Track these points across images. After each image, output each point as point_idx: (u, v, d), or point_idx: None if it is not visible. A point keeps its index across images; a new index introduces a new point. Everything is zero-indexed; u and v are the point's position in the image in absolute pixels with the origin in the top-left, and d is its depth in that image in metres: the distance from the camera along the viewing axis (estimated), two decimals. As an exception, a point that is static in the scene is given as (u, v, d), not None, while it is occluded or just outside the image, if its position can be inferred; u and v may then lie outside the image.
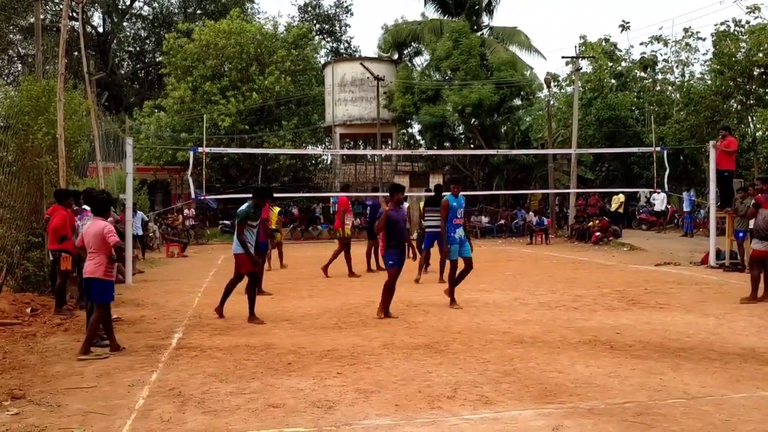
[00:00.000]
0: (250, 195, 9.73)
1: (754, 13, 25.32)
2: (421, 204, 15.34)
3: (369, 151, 38.72)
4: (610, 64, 33.87)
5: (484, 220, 30.05)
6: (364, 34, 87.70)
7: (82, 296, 10.18)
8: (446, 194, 10.64)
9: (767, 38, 23.88)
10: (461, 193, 10.39)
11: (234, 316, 9.63)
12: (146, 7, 48.01)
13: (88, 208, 9.18)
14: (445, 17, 36.26)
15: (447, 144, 34.44)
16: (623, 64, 34.46)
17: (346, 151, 37.57)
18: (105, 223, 7.38)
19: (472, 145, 33.70)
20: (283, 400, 5.49)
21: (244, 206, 9.39)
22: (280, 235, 17.71)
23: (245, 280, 9.57)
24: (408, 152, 34.86)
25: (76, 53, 30.56)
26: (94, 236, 7.34)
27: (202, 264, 18.51)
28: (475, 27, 35.64)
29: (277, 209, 18.02)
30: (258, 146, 31.72)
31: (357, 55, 43.35)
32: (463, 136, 35.18)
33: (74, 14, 28.73)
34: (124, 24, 47.85)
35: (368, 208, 15.99)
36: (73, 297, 10.58)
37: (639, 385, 5.84)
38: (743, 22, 26.59)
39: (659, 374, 6.15)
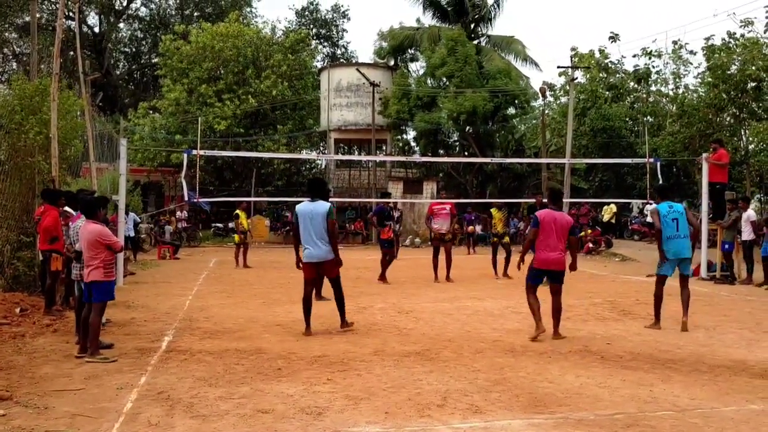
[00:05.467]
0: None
1: (747, 27, 25.49)
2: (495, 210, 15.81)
3: (363, 157, 38.69)
4: (603, 75, 34.00)
5: (477, 228, 30.02)
6: (361, 39, 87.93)
7: (66, 297, 10.16)
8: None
9: (760, 52, 24.02)
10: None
11: (223, 320, 9.60)
12: (143, 8, 48.00)
13: (71, 211, 9.19)
14: (444, 24, 36.33)
15: (441, 151, 34.48)
16: (616, 76, 34.59)
17: (340, 156, 37.54)
18: (101, 228, 7.32)
19: (466, 153, 33.75)
20: (272, 406, 5.46)
21: None
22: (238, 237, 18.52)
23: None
24: (402, 158, 34.84)
25: (71, 53, 30.48)
26: (89, 240, 7.28)
27: (193, 267, 18.46)
28: (473, 35, 35.72)
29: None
30: (253, 150, 31.68)
31: (353, 61, 43.39)
32: (457, 144, 35.25)
33: (70, 14, 28.66)
34: (121, 25, 47.80)
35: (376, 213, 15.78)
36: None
37: (629, 396, 5.84)
38: (738, 35, 26.78)
39: (649, 386, 6.16)
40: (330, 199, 8.94)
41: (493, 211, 15.82)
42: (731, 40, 26.53)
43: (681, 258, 9.03)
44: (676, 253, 8.96)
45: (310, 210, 8.51)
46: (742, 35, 26.22)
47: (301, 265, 8.74)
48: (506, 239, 15.54)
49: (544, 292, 8.63)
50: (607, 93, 33.55)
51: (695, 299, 11.82)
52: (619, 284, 14.69)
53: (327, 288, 11.80)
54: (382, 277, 14.51)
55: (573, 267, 8.49)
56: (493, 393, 5.89)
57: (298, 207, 8.69)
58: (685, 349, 7.77)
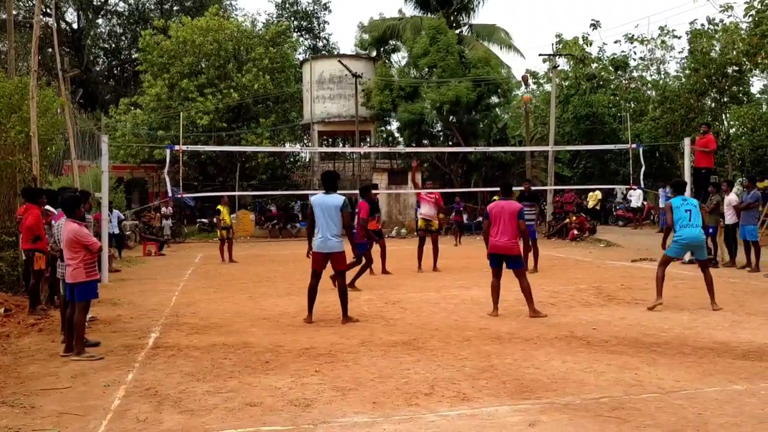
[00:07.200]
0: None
1: (727, 11, 25.62)
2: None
3: (347, 149, 38.66)
4: (581, 66, 34.11)
5: (463, 217, 30.10)
6: (343, 31, 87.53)
7: (51, 296, 10.11)
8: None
9: (740, 37, 24.19)
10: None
11: (210, 315, 9.59)
12: (122, 3, 47.51)
13: (52, 209, 9.12)
14: (425, 14, 36.26)
15: (425, 141, 34.47)
16: (594, 66, 34.68)
17: (324, 149, 37.46)
18: (78, 227, 7.25)
19: (450, 143, 33.76)
20: (260, 399, 5.47)
21: None
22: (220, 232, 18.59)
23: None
24: (386, 150, 34.83)
25: (50, 50, 30.15)
26: (66, 240, 7.22)
27: (179, 262, 18.38)
28: (454, 24, 35.68)
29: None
30: (236, 144, 31.53)
31: (335, 52, 43.22)
32: (441, 134, 35.23)
33: (47, 10, 28.36)
34: (99, 20, 47.27)
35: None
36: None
37: (614, 380, 5.90)
38: (717, 21, 26.98)
39: (634, 369, 6.22)
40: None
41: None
42: (711, 26, 26.71)
43: (694, 245, 9.61)
44: (689, 239, 9.49)
45: (324, 202, 8.79)
46: (721, 20, 26.41)
47: (310, 254, 8.95)
48: None
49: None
50: (587, 83, 33.64)
51: (679, 282, 12.01)
52: (604, 270, 14.79)
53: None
54: (384, 270, 14.41)
55: (527, 252, 9.52)
56: (480, 380, 5.92)
57: (312, 198, 9.08)
58: (670, 332, 7.85)
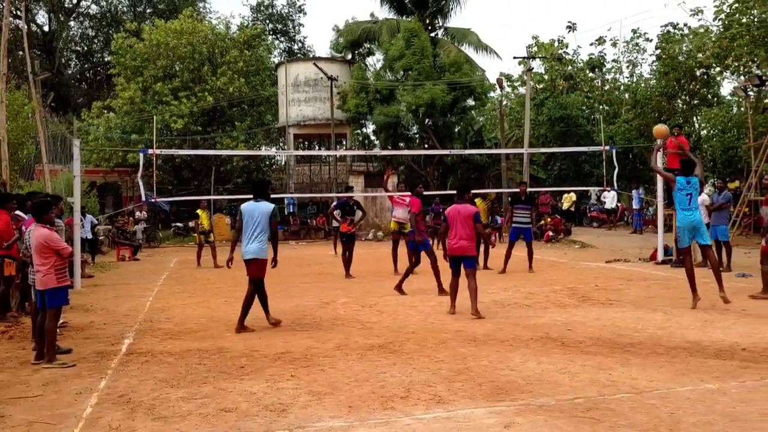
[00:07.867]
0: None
1: (697, 15, 26.02)
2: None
3: (323, 152, 38.54)
4: (557, 67, 34.43)
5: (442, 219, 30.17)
6: (318, 34, 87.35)
7: (22, 303, 9.96)
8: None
9: (710, 40, 24.57)
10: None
11: (185, 320, 9.50)
12: (94, 6, 46.98)
13: (22, 215, 9.00)
14: (401, 17, 36.30)
15: (401, 144, 34.52)
16: (569, 68, 35.03)
17: (299, 152, 37.32)
18: (48, 232, 7.14)
19: (426, 146, 33.82)
20: (235, 405, 5.43)
21: None
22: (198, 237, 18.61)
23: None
24: (362, 152, 34.78)
25: (20, 53, 29.73)
26: (36, 246, 7.11)
27: (153, 267, 18.19)
28: (430, 27, 35.77)
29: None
30: (211, 147, 31.31)
31: (311, 55, 43.12)
32: (417, 137, 35.31)
33: (17, 12, 27.95)
34: (71, 23, 46.72)
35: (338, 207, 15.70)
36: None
37: (589, 380, 5.94)
38: (681, 25, 27.49)
39: (608, 369, 6.27)
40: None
41: (477, 201, 15.34)
42: (676, 30, 27.20)
43: (694, 228, 9.76)
44: (688, 222, 9.72)
45: (253, 209, 8.81)
46: (686, 24, 26.93)
47: (230, 264, 8.92)
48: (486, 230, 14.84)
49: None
50: (563, 83, 33.96)
51: (653, 282, 12.13)
52: (578, 271, 14.91)
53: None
54: (348, 275, 14.42)
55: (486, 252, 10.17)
56: (456, 383, 5.93)
57: (242, 206, 8.99)
58: (644, 333, 7.93)
